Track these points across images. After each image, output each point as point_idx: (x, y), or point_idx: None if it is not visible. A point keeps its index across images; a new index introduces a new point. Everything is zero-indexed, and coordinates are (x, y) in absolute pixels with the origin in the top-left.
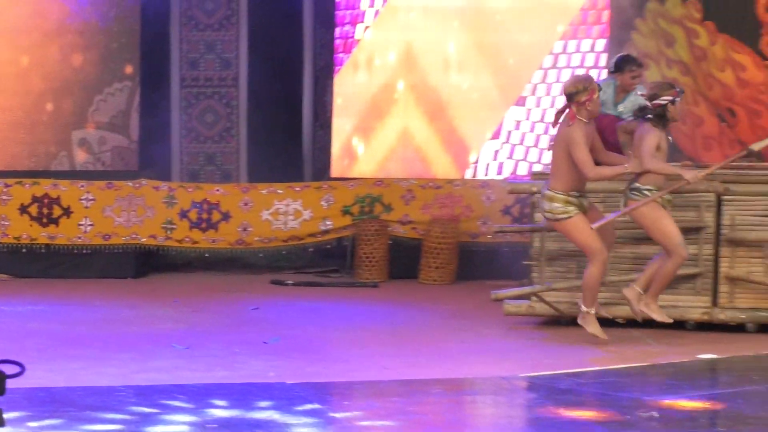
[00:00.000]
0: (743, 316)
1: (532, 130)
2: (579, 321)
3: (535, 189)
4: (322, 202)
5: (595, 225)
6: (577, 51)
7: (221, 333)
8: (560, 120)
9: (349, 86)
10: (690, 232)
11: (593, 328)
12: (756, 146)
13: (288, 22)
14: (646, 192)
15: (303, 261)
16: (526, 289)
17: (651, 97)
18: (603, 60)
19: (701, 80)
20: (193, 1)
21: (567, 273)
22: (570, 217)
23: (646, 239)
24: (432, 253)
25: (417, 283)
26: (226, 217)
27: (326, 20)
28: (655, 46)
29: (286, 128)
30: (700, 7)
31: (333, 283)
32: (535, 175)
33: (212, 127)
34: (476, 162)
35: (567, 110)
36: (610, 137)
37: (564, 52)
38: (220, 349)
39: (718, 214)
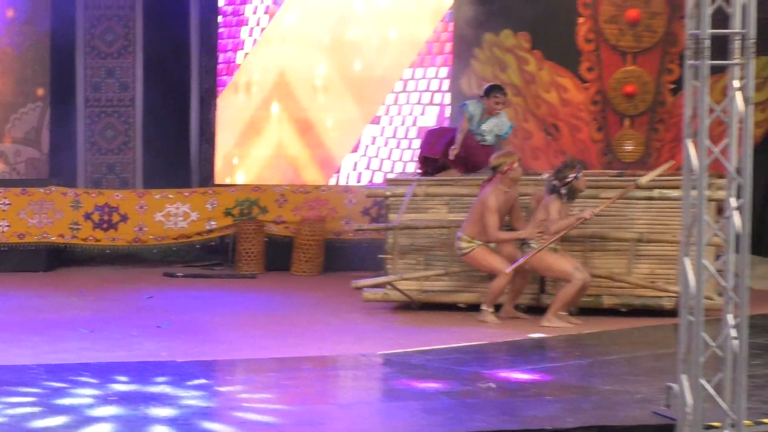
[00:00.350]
0: None
1: (385, 145)
2: (479, 318)
3: (389, 193)
4: (207, 205)
5: (508, 269)
6: (424, 77)
7: (121, 318)
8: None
9: (231, 105)
10: None
11: (489, 318)
12: (643, 180)
13: (177, 51)
14: (533, 245)
15: (191, 256)
16: (382, 279)
17: (558, 177)
18: (446, 85)
19: (530, 100)
20: (95, 33)
21: (416, 265)
22: (473, 249)
23: None
24: (302, 249)
25: (290, 275)
26: (124, 218)
27: (210, 48)
28: (491, 71)
29: (176, 142)
30: (529, 38)
31: (217, 275)
32: (390, 182)
33: (112, 141)
34: (339, 171)
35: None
36: (472, 158)
37: (412, 78)
38: (120, 333)
39: None
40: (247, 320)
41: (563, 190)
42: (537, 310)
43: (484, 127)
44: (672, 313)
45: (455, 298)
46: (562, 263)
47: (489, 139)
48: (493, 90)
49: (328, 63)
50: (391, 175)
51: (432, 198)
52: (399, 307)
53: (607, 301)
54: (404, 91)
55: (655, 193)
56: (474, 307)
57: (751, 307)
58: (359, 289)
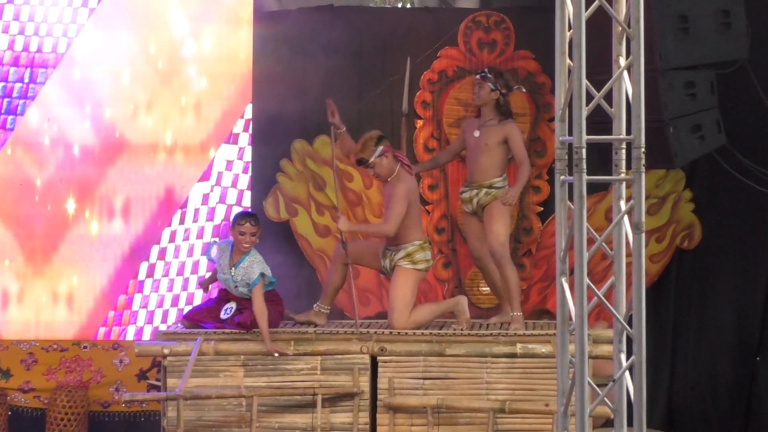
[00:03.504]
0: None
1: (169, 290)
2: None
3: (167, 351)
4: None
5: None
6: (222, 202)
7: None
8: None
9: None
10: (344, 398)
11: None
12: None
13: None
14: None
15: None
16: None
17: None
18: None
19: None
20: None
21: None
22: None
23: (294, 406)
24: (58, 425)
25: None
26: None
27: None
28: (304, 189)
29: None
30: None
31: None
32: (166, 335)
33: None
34: (106, 322)
35: None
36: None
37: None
38: None
39: (374, 378)
40: None
41: None
42: None
43: (234, 273)
44: None
45: None
46: None
47: (242, 290)
48: (239, 218)
49: None
50: (162, 327)
51: (224, 358)
52: None
53: None
54: (181, 223)
55: (518, 348)
56: None
57: None
58: None
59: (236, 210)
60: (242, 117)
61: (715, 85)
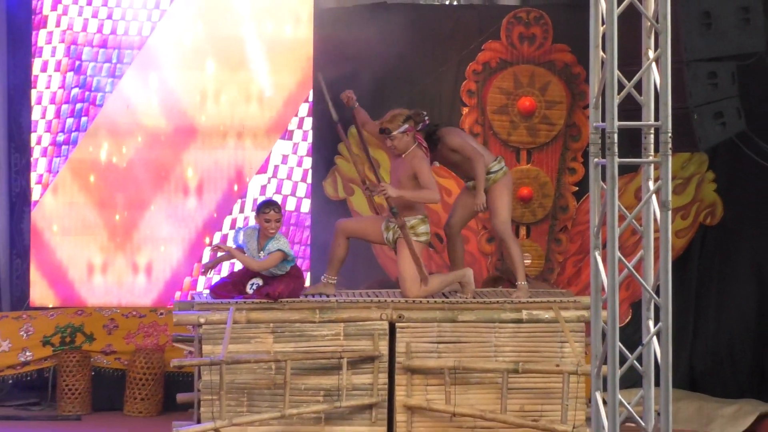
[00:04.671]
0: None
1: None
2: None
3: (203, 320)
4: (21, 333)
5: None
6: (279, 192)
7: None
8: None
9: (47, 212)
10: (364, 361)
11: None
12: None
13: None
14: None
15: (2, 393)
16: (208, 425)
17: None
18: (303, 190)
19: None
20: None
21: (238, 407)
22: None
23: (317, 369)
24: (137, 384)
25: (122, 415)
26: None
27: (21, 145)
28: (360, 171)
29: None
30: None
31: (34, 417)
32: (199, 305)
33: None
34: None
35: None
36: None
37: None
38: None
39: (392, 342)
40: None
41: None
42: None
43: (263, 255)
44: None
45: None
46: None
47: (274, 270)
48: (263, 207)
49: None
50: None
51: (255, 325)
52: None
53: None
54: (241, 212)
55: (524, 314)
56: None
57: None
58: None
59: (291, 200)
60: (296, 115)
61: (736, 75)
